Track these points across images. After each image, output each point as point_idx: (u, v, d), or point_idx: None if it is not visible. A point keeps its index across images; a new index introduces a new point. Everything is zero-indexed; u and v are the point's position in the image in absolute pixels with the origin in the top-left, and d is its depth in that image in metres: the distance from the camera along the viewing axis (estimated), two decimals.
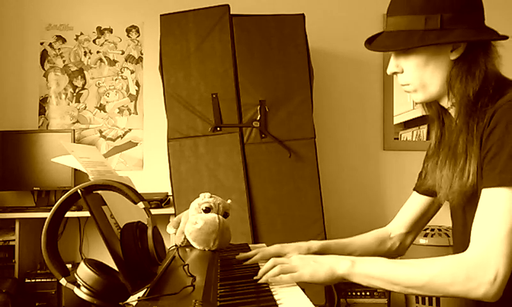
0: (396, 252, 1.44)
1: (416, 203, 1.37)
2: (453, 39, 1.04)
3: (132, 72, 3.41)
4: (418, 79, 1.10)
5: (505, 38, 1.06)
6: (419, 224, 1.40)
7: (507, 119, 0.98)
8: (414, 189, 1.38)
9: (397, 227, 1.42)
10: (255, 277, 1.08)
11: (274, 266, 1.08)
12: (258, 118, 2.78)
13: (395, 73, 1.14)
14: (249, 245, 1.59)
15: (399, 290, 1.03)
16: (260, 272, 1.09)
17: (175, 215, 2.72)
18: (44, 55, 3.37)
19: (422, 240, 2.83)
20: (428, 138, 3.44)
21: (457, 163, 1.08)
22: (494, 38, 1.07)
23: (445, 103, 1.13)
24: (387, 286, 1.04)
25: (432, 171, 1.20)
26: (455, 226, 1.23)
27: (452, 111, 1.13)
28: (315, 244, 1.35)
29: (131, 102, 3.41)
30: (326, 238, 2.71)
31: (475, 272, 0.94)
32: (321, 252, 1.33)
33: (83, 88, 3.39)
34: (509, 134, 0.97)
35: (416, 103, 1.18)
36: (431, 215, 1.39)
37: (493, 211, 0.96)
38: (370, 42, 1.16)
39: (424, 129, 3.46)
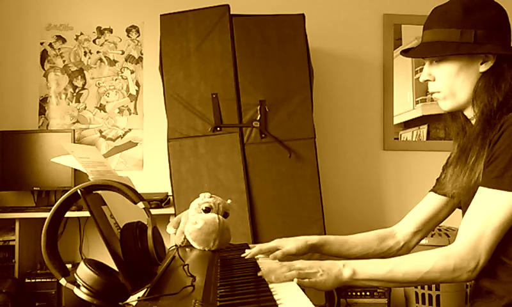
0: (397, 252, 1.47)
1: (431, 202, 1.42)
2: (485, 51, 1.15)
3: (132, 72, 3.41)
4: (448, 87, 1.20)
5: None
6: (428, 225, 1.45)
7: None
8: (431, 190, 1.43)
9: (405, 225, 1.47)
10: (272, 278, 1.07)
11: (290, 270, 1.10)
12: (258, 118, 2.78)
13: (427, 80, 1.23)
14: (249, 245, 1.59)
15: (395, 286, 1.15)
16: (277, 274, 1.08)
17: (175, 215, 2.72)
18: (44, 55, 3.37)
19: (422, 240, 2.82)
20: (428, 138, 3.44)
21: (467, 162, 1.16)
22: None
23: (469, 112, 1.22)
24: (385, 285, 1.14)
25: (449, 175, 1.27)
26: None
27: (474, 121, 1.21)
28: (313, 238, 1.41)
29: (131, 102, 3.40)
30: None
31: (460, 265, 1.08)
32: (319, 245, 1.40)
33: (83, 88, 3.39)
34: (511, 143, 1.05)
35: (444, 112, 1.27)
36: (442, 218, 1.44)
37: (483, 209, 1.08)
38: (407, 52, 1.26)
39: (424, 129, 3.45)
